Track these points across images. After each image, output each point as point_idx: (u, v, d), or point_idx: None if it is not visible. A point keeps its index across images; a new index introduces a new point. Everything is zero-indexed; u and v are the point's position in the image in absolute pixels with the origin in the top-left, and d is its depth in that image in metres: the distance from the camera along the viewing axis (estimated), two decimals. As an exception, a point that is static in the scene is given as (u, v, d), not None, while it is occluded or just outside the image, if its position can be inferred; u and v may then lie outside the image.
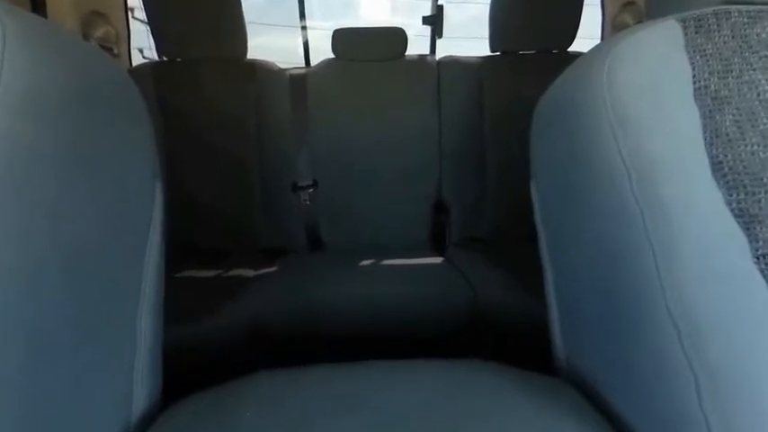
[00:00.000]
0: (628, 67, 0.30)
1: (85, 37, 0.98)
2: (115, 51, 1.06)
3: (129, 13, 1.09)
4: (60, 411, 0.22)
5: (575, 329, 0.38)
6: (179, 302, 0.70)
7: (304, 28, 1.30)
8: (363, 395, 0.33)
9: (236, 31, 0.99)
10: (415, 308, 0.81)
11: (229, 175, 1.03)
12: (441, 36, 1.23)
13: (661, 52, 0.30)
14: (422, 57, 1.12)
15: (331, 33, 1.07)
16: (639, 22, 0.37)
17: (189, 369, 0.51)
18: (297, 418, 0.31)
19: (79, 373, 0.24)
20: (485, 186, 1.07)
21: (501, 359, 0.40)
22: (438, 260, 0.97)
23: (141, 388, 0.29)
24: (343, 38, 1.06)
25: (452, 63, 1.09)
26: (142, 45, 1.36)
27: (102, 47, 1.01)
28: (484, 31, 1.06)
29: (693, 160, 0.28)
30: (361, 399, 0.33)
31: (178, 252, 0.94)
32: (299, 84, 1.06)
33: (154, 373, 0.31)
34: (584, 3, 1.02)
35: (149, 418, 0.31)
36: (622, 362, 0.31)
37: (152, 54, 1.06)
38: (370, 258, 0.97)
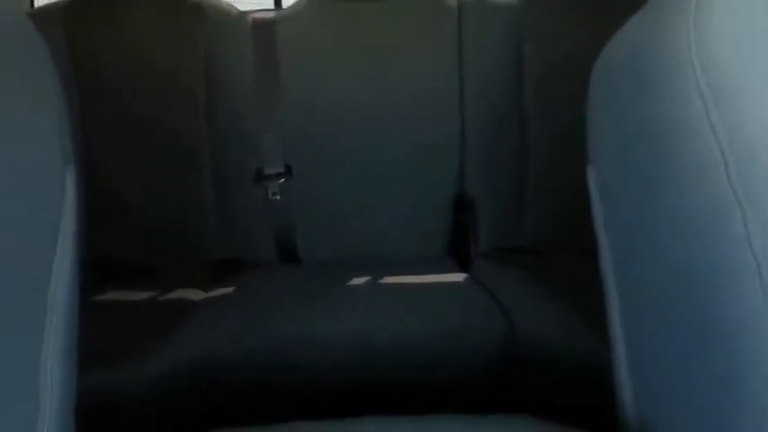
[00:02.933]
0: (723, 10, 0.25)
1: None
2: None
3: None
4: None
5: (650, 376, 0.32)
6: (100, 336, 0.62)
7: None
8: None
9: None
10: (429, 346, 0.71)
11: (168, 158, 0.88)
12: None
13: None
14: None
15: None
16: None
17: (113, 430, 0.47)
18: None
19: None
20: (525, 175, 0.93)
21: (545, 413, 0.39)
22: (460, 278, 0.84)
23: None
24: None
25: (479, 3, 0.94)
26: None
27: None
28: None
29: None
30: None
31: (98, 267, 0.85)
32: (266, 32, 0.91)
33: None
34: None
35: None
36: (716, 420, 0.26)
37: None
38: (363, 276, 0.85)
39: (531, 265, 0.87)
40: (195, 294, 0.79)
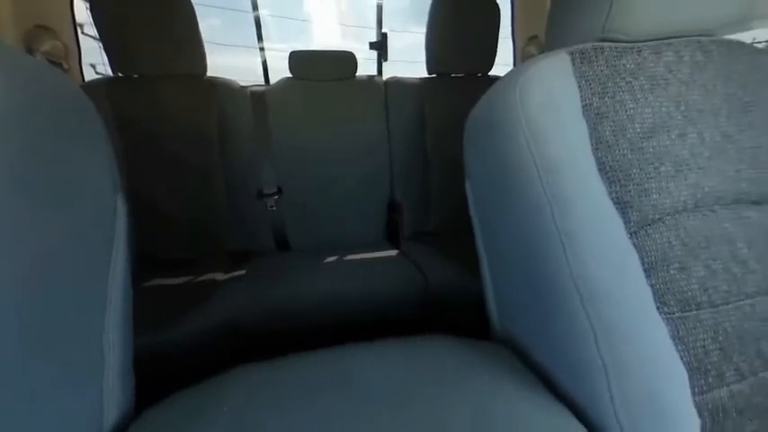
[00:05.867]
0: (535, 90, 0.34)
1: (30, 51, 0.93)
2: (65, 66, 1.01)
3: (79, 29, 1.05)
4: (25, 426, 0.22)
5: (505, 302, 0.42)
6: (150, 311, 0.68)
7: (262, 49, 1.33)
8: (336, 377, 0.34)
9: (194, 49, 1.00)
10: (376, 296, 0.84)
11: (195, 185, 1.02)
12: (386, 60, 1.34)
13: (557, 78, 0.35)
14: (370, 77, 1.20)
15: (287, 55, 1.12)
16: (542, 52, 0.41)
17: (165, 375, 0.50)
18: (276, 404, 0.31)
19: (44, 387, 0.23)
20: (429, 188, 1.16)
21: (450, 332, 0.43)
22: (393, 253, 1.03)
23: (112, 399, 0.28)
24: (299, 59, 1.12)
25: (397, 83, 1.18)
26: (95, 61, 1.29)
27: (51, 62, 0.96)
28: (421, 56, 1.19)
29: (584, 162, 0.33)
30: (335, 380, 0.34)
31: (147, 262, 0.95)
32: (260, 99, 1.09)
33: (125, 383, 0.30)
34: (500, 36, 1.21)
35: (122, 427, 0.30)
36: (541, 324, 0.35)
37: (105, 70, 1.01)
38: (333, 256, 1.00)
39: (436, 242, 1.08)
40: (219, 276, 0.89)
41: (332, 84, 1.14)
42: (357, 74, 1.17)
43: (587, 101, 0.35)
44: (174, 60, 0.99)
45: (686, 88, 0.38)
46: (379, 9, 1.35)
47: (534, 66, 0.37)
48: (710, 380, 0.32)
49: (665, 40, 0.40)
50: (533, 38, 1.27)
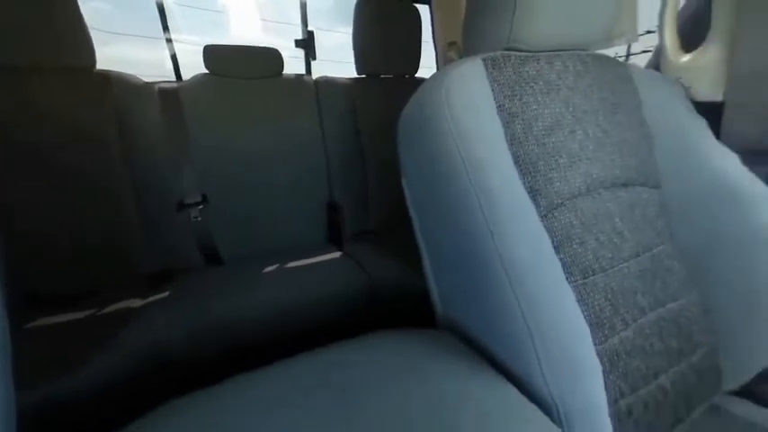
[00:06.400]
0: (458, 92, 0.36)
1: None
2: None
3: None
4: None
5: (445, 290, 0.43)
6: (39, 357, 0.59)
7: (169, 41, 1.19)
8: (286, 393, 0.32)
9: (76, 37, 0.86)
10: (322, 300, 0.82)
11: (92, 198, 0.88)
12: (315, 58, 1.31)
13: (475, 81, 0.38)
14: (299, 76, 1.17)
15: (199, 49, 1.04)
16: (461, 57, 0.44)
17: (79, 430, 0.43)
18: None
19: None
20: (367, 187, 1.17)
21: (398, 326, 0.43)
22: (336, 254, 1.02)
23: None
24: (217, 54, 1.04)
25: (328, 83, 1.16)
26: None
27: None
28: (349, 56, 1.18)
29: (503, 157, 0.37)
30: (285, 397, 0.32)
31: (35, 300, 0.81)
32: (172, 98, 0.98)
33: None
34: (423, 40, 1.26)
35: None
36: (478, 306, 0.36)
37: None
38: (272, 264, 0.95)
39: (378, 241, 1.10)
40: (134, 303, 0.78)
41: (257, 82, 1.08)
42: (284, 72, 1.13)
43: (500, 102, 0.39)
44: (52, 50, 0.84)
45: (572, 93, 0.45)
46: (303, 6, 1.32)
47: (456, 70, 0.39)
48: (606, 331, 0.39)
49: (555, 52, 0.46)
50: (452, 43, 1.36)
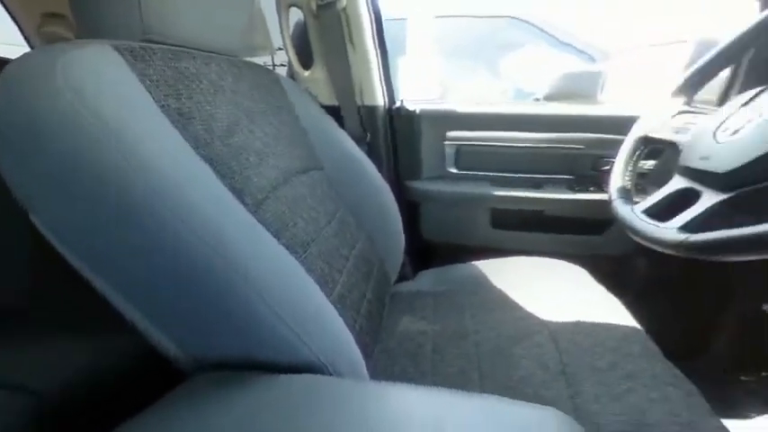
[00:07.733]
0: (95, 81, 0.30)
1: None
2: None
3: None
4: None
5: (183, 333, 0.35)
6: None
7: None
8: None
9: None
10: None
11: None
12: None
13: (116, 71, 0.33)
14: None
15: None
16: (78, 37, 0.36)
17: None
18: None
19: None
20: None
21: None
22: None
23: None
24: None
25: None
26: None
27: None
28: None
29: (193, 164, 0.33)
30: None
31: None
32: None
33: None
34: None
35: None
36: (229, 327, 0.32)
37: None
38: None
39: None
40: None
41: None
42: None
43: (163, 102, 0.35)
44: None
45: (237, 95, 0.47)
46: None
47: (79, 51, 0.31)
48: (330, 285, 0.49)
49: (209, 54, 0.47)
50: (56, 15, 1.04)
